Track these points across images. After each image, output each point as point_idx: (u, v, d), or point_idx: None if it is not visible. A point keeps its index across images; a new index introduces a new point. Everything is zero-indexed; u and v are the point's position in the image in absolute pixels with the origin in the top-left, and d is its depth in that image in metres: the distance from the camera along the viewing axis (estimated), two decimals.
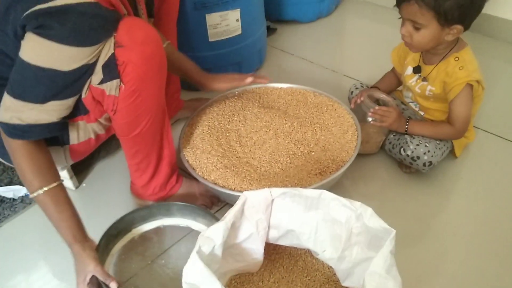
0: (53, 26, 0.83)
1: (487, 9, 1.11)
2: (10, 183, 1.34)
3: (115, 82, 0.92)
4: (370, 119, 1.25)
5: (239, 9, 1.52)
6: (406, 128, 1.22)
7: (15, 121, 0.91)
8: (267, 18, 1.81)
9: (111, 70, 0.91)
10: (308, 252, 1.01)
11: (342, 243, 0.90)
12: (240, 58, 1.65)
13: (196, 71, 1.29)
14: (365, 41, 1.97)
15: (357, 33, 2.06)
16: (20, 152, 0.94)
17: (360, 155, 1.23)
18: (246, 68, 1.71)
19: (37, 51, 0.86)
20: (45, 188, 0.95)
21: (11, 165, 1.14)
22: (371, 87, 1.36)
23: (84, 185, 1.34)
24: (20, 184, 1.33)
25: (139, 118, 1.00)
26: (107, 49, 0.90)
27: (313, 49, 1.91)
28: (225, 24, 1.53)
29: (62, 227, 0.97)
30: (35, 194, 0.95)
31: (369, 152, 1.33)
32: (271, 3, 1.92)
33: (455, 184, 1.27)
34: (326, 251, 0.93)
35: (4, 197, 1.30)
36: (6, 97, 0.91)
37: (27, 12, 0.83)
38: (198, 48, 1.56)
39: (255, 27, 1.66)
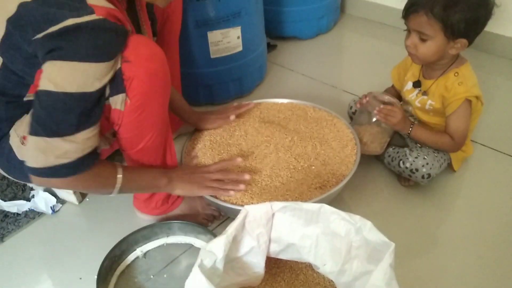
0: (70, 46, 0.83)
1: (487, 27, 1.14)
2: (14, 197, 1.36)
3: (121, 96, 0.93)
4: (374, 118, 1.25)
5: (240, 27, 1.55)
6: (410, 130, 1.24)
7: (62, 160, 0.88)
8: (267, 35, 1.85)
9: (118, 84, 0.91)
10: (309, 266, 1.02)
11: (342, 257, 0.91)
12: (241, 74, 1.68)
13: (189, 112, 1.36)
14: (363, 57, 1.99)
15: (355, 49, 2.09)
16: (75, 182, 0.93)
17: (362, 165, 1.23)
18: (247, 84, 1.73)
19: (61, 75, 0.84)
20: (118, 186, 1.00)
21: (18, 180, 1.15)
22: None
23: (87, 199, 1.35)
24: (24, 199, 1.34)
25: (143, 132, 1.02)
26: (117, 63, 0.91)
27: (312, 65, 1.94)
28: (226, 41, 1.56)
29: (151, 186, 1.07)
30: (116, 192, 1.01)
31: (374, 153, 1.32)
32: (271, 21, 1.95)
33: (454, 198, 1.29)
34: (326, 265, 0.94)
35: (8, 211, 1.31)
36: (36, 139, 0.87)
37: (38, 36, 0.83)
38: (200, 65, 1.59)
39: (256, 44, 1.69)
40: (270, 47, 2.00)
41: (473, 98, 1.17)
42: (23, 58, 0.91)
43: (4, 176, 1.42)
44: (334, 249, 0.92)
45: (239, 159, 1.17)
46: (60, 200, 1.34)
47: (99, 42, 0.85)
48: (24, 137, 1.01)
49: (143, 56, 0.93)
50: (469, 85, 1.17)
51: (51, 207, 1.30)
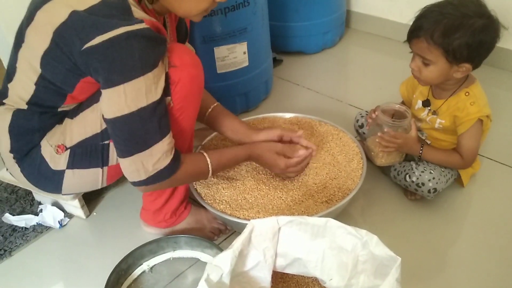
0: (124, 65, 0.87)
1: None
2: (22, 212, 1.37)
3: (167, 100, 0.97)
4: (386, 129, 1.23)
5: (246, 42, 1.57)
6: (420, 153, 1.23)
7: (159, 166, 0.96)
8: (273, 49, 1.86)
9: (165, 88, 0.95)
10: (315, 281, 1.02)
11: (348, 271, 0.90)
12: (247, 89, 1.69)
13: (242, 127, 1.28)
14: (369, 71, 2.01)
15: (361, 64, 2.10)
16: (178, 179, 1.01)
17: (368, 179, 1.23)
18: (253, 98, 1.75)
19: (129, 97, 0.89)
20: (210, 170, 1.07)
21: (45, 192, 1.17)
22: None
23: (95, 214, 1.36)
24: (32, 213, 1.35)
25: (180, 133, 1.05)
26: (165, 68, 0.96)
27: (318, 80, 1.96)
28: (232, 56, 1.58)
29: (237, 159, 1.15)
30: (210, 176, 1.09)
31: (394, 163, 1.30)
32: (277, 36, 1.98)
33: (462, 213, 1.28)
34: (333, 280, 0.94)
35: (16, 226, 1.32)
36: (130, 160, 0.94)
37: (88, 45, 0.86)
38: (206, 80, 1.57)
39: (262, 59, 1.71)
40: (276, 62, 2.02)
41: (485, 118, 1.17)
42: (66, 69, 0.94)
43: (12, 191, 1.44)
44: (341, 263, 0.92)
45: (303, 152, 1.18)
46: (68, 215, 1.35)
47: (149, 51, 0.89)
48: (59, 146, 1.04)
49: (187, 62, 0.99)
50: (481, 104, 1.17)
51: (58, 221, 1.31)
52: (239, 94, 1.69)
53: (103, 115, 0.95)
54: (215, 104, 1.27)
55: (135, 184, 0.99)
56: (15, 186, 1.42)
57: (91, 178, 1.09)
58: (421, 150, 1.22)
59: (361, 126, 1.42)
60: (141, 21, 0.88)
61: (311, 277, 1.01)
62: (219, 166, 1.11)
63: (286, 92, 1.90)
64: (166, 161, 0.96)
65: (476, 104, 1.16)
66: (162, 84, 0.93)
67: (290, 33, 2.06)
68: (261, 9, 1.61)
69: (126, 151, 0.94)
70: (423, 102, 1.28)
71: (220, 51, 1.55)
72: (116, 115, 0.91)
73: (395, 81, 1.43)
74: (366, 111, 1.44)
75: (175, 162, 0.99)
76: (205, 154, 1.08)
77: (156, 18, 1.02)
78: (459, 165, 1.24)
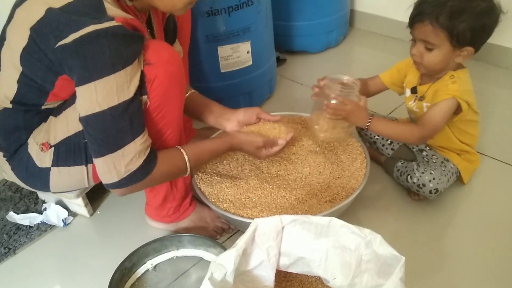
0: (95, 63, 0.86)
1: (491, 39, 1.14)
2: (26, 210, 1.38)
3: (144, 98, 0.95)
4: (334, 101, 1.15)
5: (249, 41, 1.57)
6: (369, 123, 1.17)
7: (132, 167, 0.93)
8: (276, 49, 1.86)
9: (141, 86, 0.94)
10: (318, 280, 1.02)
11: (352, 270, 0.90)
12: (251, 88, 1.69)
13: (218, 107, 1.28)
14: (372, 71, 1.97)
15: (365, 63, 2.10)
16: (153, 179, 0.99)
17: (372, 179, 1.23)
18: (257, 97, 1.75)
19: (100, 95, 0.88)
20: (188, 166, 1.04)
21: (35, 190, 1.17)
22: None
23: (98, 212, 1.37)
24: (36, 212, 1.36)
25: (159, 133, 1.03)
26: (140, 66, 0.93)
27: None
28: (236, 55, 1.58)
29: (218, 152, 1.13)
30: (189, 172, 1.06)
31: (339, 140, 1.25)
32: (280, 35, 1.98)
33: (464, 211, 1.28)
34: (336, 279, 0.94)
35: (20, 224, 1.33)
36: (102, 160, 0.93)
37: (61, 43, 0.86)
38: (210, 79, 1.61)
39: (265, 58, 1.71)
40: (280, 61, 2.02)
41: (464, 103, 1.15)
42: (45, 66, 0.94)
43: (17, 189, 1.45)
44: (344, 262, 0.91)
45: (282, 141, 1.17)
46: (72, 213, 1.35)
47: (120, 48, 0.88)
48: (43, 144, 1.05)
49: (163, 59, 0.96)
50: (462, 87, 1.15)
51: (62, 220, 1.32)
52: (242, 93, 1.69)
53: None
54: (191, 91, 1.26)
55: (108, 186, 0.96)
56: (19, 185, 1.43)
57: (76, 176, 1.08)
58: (370, 120, 1.16)
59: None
60: (112, 19, 0.87)
61: (315, 276, 1.01)
62: (198, 162, 1.09)
63: (289, 91, 1.90)
64: (139, 162, 0.94)
65: (457, 84, 1.15)
66: (136, 82, 0.91)
67: (294, 32, 2.06)
68: (265, 8, 1.61)
69: (98, 151, 0.93)
70: (411, 89, 1.27)
71: (224, 50, 1.55)
72: (88, 112, 0.90)
73: None
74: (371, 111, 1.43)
75: (149, 163, 0.96)
76: (182, 150, 1.04)
77: (136, 15, 1.00)
78: (413, 137, 1.18)
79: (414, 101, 1.26)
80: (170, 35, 1.24)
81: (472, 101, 1.17)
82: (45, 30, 0.90)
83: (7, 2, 1.01)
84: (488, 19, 1.08)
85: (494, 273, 1.10)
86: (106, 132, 0.91)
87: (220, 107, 1.25)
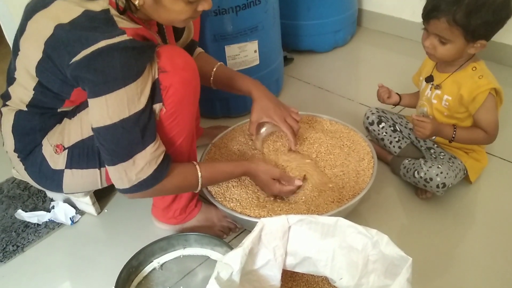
0: (106, 77, 0.87)
1: (499, 38, 1.13)
2: (34, 208, 1.39)
3: (158, 105, 0.96)
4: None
5: (257, 41, 1.57)
6: (454, 134, 1.20)
7: (142, 176, 0.95)
8: (284, 48, 1.86)
9: (156, 94, 0.95)
10: (325, 280, 1.01)
11: (358, 271, 0.90)
12: None
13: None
14: (380, 70, 1.99)
15: (372, 62, 2.09)
16: (163, 188, 1.00)
17: (379, 179, 1.22)
18: None
19: (111, 108, 0.89)
20: (200, 183, 1.05)
21: (48, 190, 1.18)
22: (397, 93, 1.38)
23: (106, 211, 1.37)
24: (44, 210, 1.37)
25: (174, 138, 1.04)
26: (151, 75, 0.94)
27: (329, 78, 1.95)
28: (243, 55, 1.58)
29: (232, 175, 1.12)
30: (199, 189, 1.07)
31: None
32: (288, 34, 1.97)
33: (472, 211, 1.27)
34: (343, 279, 0.93)
35: (28, 222, 1.34)
36: (114, 168, 0.95)
37: (74, 59, 0.87)
38: None
39: (273, 57, 1.71)
40: (287, 60, 2.02)
41: (493, 92, 1.16)
42: (60, 80, 0.96)
43: (25, 187, 1.46)
44: (351, 263, 0.91)
45: (299, 182, 1.17)
46: (79, 211, 1.36)
47: (132, 61, 0.88)
48: (57, 146, 1.06)
49: (178, 66, 0.96)
50: (489, 78, 1.16)
51: (70, 218, 1.32)
52: None
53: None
54: (218, 64, 1.27)
55: (120, 191, 0.98)
56: (28, 183, 1.44)
57: (90, 178, 1.10)
58: (455, 131, 1.20)
59: (372, 123, 1.41)
60: (123, 32, 0.88)
61: (321, 276, 1.01)
62: (211, 181, 1.10)
63: (297, 90, 1.89)
64: (150, 170, 0.95)
65: (484, 77, 1.16)
66: (147, 92, 0.92)
67: (301, 32, 2.05)
68: (273, 8, 1.60)
69: (109, 160, 0.95)
70: (426, 78, 1.27)
71: (231, 50, 1.55)
72: (99, 124, 0.91)
73: (407, 80, 1.41)
74: (376, 108, 1.43)
75: (160, 172, 0.97)
76: (197, 166, 1.05)
77: (145, 24, 1.00)
78: (485, 141, 1.22)
79: (430, 90, 1.26)
80: (180, 31, 1.24)
81: (500, 88, 1.18)
82: (59, 46, 0.91)
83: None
84: (505, 12, 1.08)
85: (503, 274, 1.09)
86: (117, 143, 0.92)
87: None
